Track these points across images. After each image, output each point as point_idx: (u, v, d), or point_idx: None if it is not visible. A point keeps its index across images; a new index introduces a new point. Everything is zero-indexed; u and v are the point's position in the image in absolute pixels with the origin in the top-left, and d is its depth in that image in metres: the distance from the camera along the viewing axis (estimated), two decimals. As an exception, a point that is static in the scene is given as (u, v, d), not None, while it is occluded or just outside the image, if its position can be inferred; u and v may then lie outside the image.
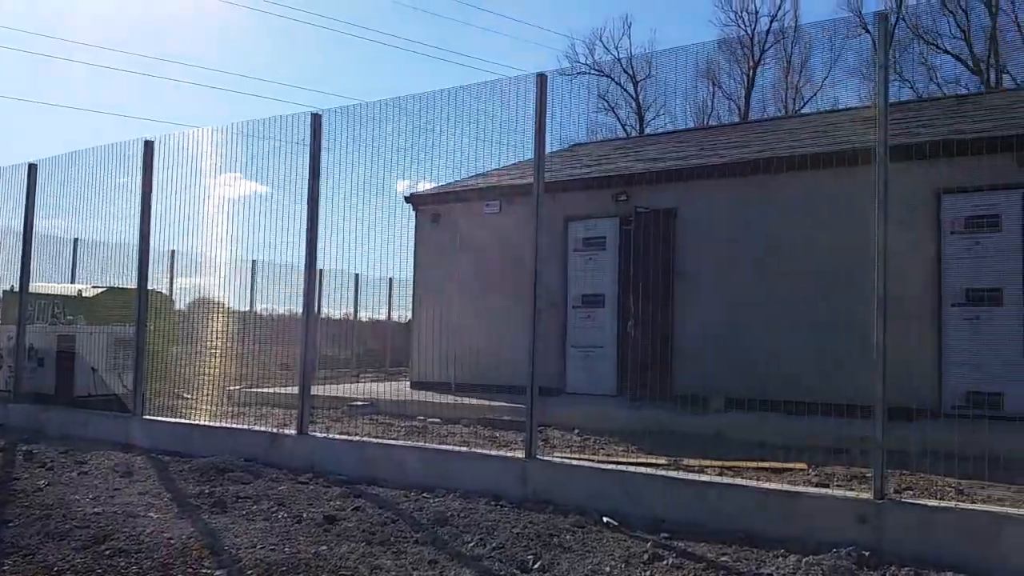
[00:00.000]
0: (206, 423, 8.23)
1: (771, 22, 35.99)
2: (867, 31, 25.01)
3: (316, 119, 7.47)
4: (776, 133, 14.10)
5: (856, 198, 5.87)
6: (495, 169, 11.72)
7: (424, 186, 12.82)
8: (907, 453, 7.14)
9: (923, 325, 9.56)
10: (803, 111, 30.71)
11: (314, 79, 64.31)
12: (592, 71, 30.62)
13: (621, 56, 38.09)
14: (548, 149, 6.53)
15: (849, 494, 4.99)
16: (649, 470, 6.00)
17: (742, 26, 36.03)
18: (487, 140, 7.49)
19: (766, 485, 5.36)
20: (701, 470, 6.57)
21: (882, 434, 4.71)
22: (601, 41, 47.26)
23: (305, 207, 7.44)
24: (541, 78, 6.31)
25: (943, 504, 4.78)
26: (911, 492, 5.88)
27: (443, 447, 6.95)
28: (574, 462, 6.16)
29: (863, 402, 4.99)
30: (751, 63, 34.54)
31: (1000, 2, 29.77)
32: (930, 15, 30.49)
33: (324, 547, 4.67)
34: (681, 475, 5.72)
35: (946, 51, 31.09)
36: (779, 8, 44.06)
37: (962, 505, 4.82)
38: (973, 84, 30.43)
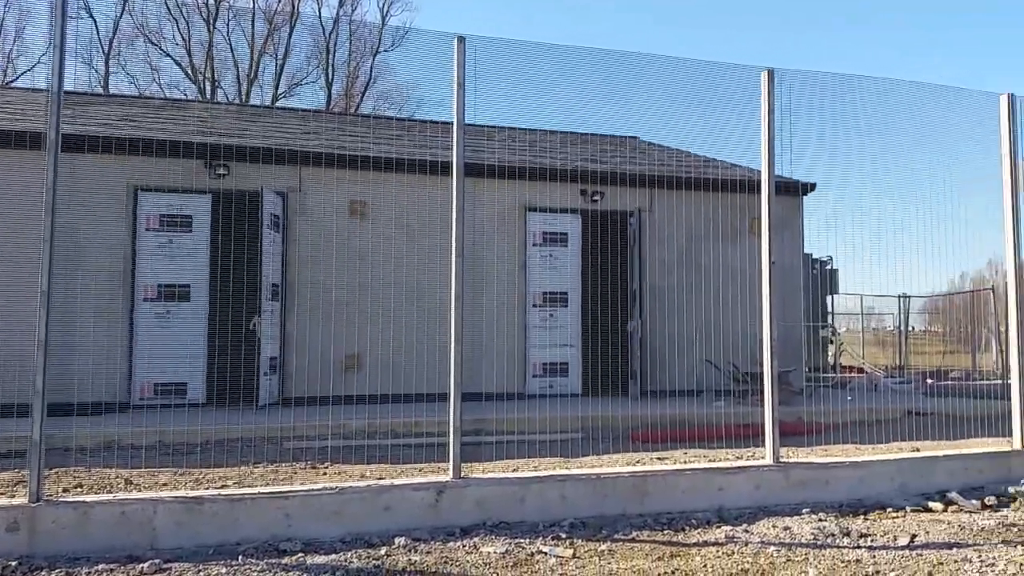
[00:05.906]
0: None
1: None
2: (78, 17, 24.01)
3: None
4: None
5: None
6: None
7: None
8: (88, 449, 7.08)
9: (116, 321, 9.64)
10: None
11: None
12: None
13: None
14: None
15: (2, 501, 4.61)
16: None
17: None
18: None
19: None
20: None
21: (40, 433, 4.47)
22: None
23: None
24: None
25: (103, 498, 4.81)
26: (81, 489, 5.77)
27: None
28: None
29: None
30: None
31: (216, 23, 32.47)
32: (157, 17, 31.29)
33: None
34: None
35: (168, 55, 32.33)
36: None
37: (121, 496, 4.95)
38: (191, 91, 32.44)
